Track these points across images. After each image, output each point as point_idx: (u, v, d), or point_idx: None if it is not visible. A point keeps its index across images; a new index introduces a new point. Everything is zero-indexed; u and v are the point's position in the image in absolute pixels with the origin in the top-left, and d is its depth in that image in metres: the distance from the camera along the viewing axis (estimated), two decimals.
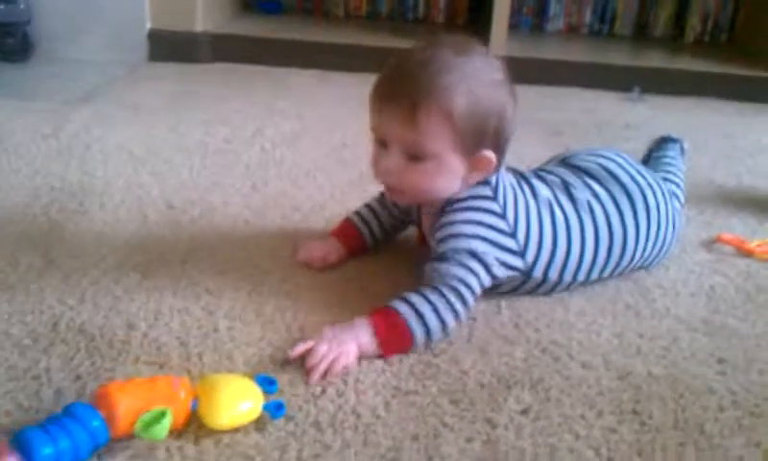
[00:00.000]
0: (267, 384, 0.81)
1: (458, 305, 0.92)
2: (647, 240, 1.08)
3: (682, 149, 1.39)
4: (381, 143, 0.96)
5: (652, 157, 1.36)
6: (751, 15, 2.56)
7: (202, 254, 1.11)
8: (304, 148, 1.58)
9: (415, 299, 0.91)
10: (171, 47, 2.19)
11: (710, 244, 1.25)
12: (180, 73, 2.12)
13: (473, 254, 0.94)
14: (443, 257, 0.95)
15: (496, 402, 0.83)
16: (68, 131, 1.58)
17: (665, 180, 1.22)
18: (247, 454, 0.73)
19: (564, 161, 1.14)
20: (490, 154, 0.95)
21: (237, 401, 0.76)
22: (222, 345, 0.89)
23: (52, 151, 1.46)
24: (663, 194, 1.11)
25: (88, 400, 0.75)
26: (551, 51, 2.44)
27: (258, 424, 0.77)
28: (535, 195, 1.02)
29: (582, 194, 1.05)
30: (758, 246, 1.24)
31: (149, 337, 0.90)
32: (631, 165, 1.12)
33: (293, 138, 1.63)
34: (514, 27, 2.57)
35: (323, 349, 0.86)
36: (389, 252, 1.15)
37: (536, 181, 1.04)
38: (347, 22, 2.63)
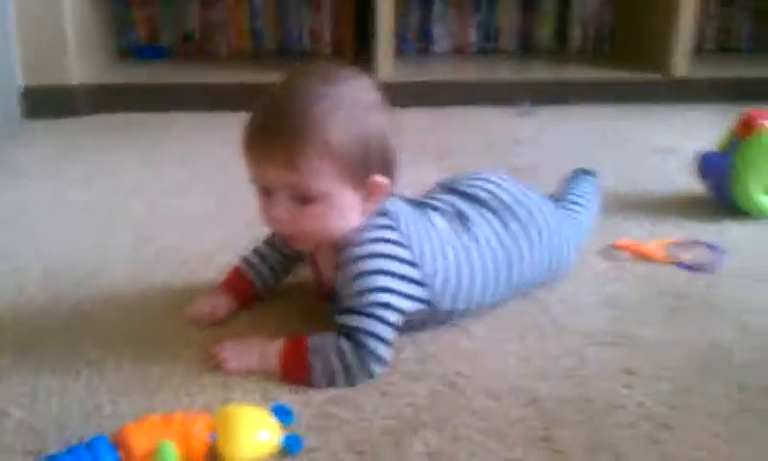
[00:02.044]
0: (283, 415, 0.81)
1: (374, 367, 0.90)
2: (541, 259, 1.07)
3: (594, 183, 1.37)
4: (265, 191, 0.92)
5: (568, 187, 1.35)
6: (626, 21, 2.63)
7: (83, 323, 1.03)
8: (193, 196, 1.52)
9: (331, 352, 0.89)
10: (47, 103, 2.09)
11: (608, 252, 1.25)
12: (58, 129, 2.02)
13: (384, 301, 0.90)
14: (353, 310, 0.90)
15: (401, 449, 0.79)
16: None
17: (572, 202, 1.23)
18: None
19: (450, 188, 1.11)
20: (381, 179, 0.91)
21: (256, 433, 0.77)
22: (105, 423, 0.82)
23: None
24: (551, 211, 1.11)
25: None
26: (439, 72, 2.43)
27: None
28: (432, 224, 0.98)
29: (475, 221, 1.03)
30: (656, 248, 1.24)
31: (24, 424, 0.83)
32: (514, 187, 1.10)
33: (180, 187, 1.57)
34: (400, 53, 2.56)
35: (228, 345, 0.93)
36: (280, 299, 1.09)
37: (430, 211, 1.01)
38: (230, 61, 2.57)
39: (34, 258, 1.23)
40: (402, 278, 0.92)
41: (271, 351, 0.91)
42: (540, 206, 1.09)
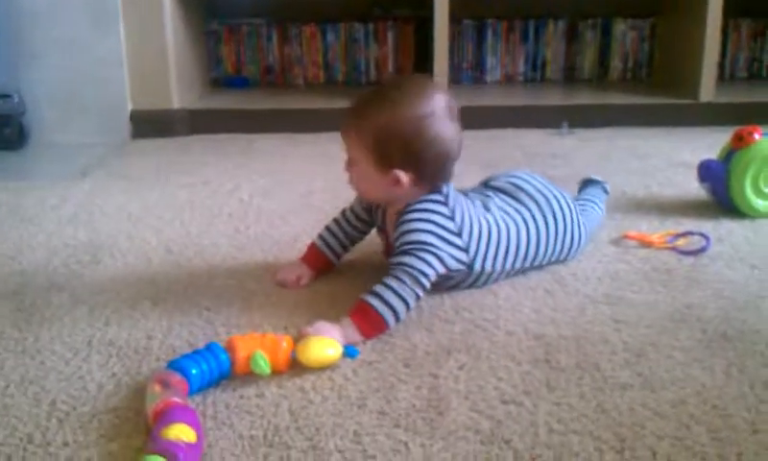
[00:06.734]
0: (351, 350, 1.09)
1: (418, 290, 1.18)
2: (556, 237, 1.35)
3: (604, 189, 1.64)
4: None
5: (583, 190, 1.63)
6: (662, 53, 2.89)
7: (199, 284, 1.35)
8: (277, 197, 1.84)
9: (384, 292, 1.16)
10: (152, 125, 2.47)
11: (618, 241, 1.51)
12: (161, 147, 2.39)
13: (426, 249, 1.20)
14: (403, 251, 1.20)
15: (439, 363, 1.08)
16: (72, 201, 1.83)
17: (585, 200, 1.51)
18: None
19: (486, 184, 1.41)
20: (400, 173, 1.20)
21: (325, 349, 1.06)
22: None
23: (61, 218, 1.71)
24: (568, 204, 1.38)
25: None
26: (490, 99, 2.73)
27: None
28: (473, 204, 1.28)
29: (498, 206, 1.32)
30: (658, 238, 1.50)
31: (165, 344, 1.14)
32: (538, 181, 1.39)
33: (266, 191, 1.90)
34: (457, 82, 2.88)
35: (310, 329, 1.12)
36: (348, 268, 1.40)
37: (470, 197, 1.31)
38: (306, 90, 2.91)
39: (155, 241, 1.56)
40: (442, 238, 1.22)
41: (346, 326, 1.13)
42: (557, 196, 1.37)
